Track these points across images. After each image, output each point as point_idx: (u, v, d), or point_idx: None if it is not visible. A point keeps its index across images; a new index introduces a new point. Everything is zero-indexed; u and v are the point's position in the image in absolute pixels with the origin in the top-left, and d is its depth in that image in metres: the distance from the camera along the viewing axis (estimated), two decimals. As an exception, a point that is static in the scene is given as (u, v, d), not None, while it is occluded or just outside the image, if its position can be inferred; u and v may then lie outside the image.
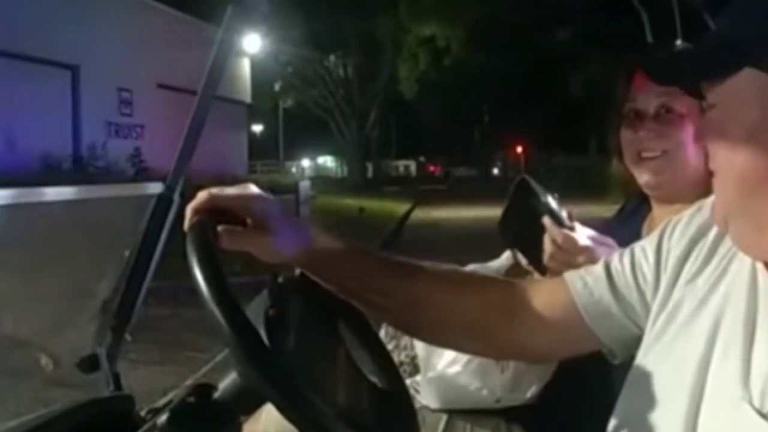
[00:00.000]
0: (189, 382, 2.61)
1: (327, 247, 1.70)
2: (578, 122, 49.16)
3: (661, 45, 2.73)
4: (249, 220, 1.61)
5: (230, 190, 1.61)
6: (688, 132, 2.38)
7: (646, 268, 1.63)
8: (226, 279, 1.35)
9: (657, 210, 2.57)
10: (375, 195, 38.96)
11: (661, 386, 1.48)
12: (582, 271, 1.71)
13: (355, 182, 47.45)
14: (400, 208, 34.15)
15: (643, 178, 2.49)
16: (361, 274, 1.74)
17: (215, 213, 1.55)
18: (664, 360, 1.50)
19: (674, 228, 1.64)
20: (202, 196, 1.57)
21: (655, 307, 1.58)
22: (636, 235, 2.52)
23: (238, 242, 1.58)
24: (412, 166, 78.97)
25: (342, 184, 46.11)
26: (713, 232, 1.56)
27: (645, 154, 2.45)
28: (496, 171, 63.86)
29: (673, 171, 2.42)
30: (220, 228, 1.54)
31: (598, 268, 1.69)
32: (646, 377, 1.51)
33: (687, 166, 2.40)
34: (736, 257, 1.48)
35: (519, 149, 65.85)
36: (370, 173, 56.76)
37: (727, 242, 1.50)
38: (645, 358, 1.55)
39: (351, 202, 31.97)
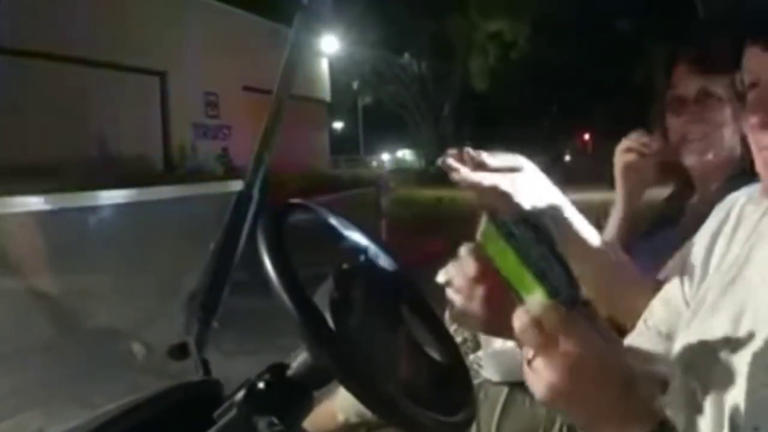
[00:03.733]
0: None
1: None
2: (641, 109, 48.74)
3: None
4: None
5: None
6: (726, 114, 2.40)
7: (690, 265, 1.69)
8: (293, 266, 1.38)
9: (699, 189, 2.59)
10: (451, 185, 38.70)
11: (693, 361, 1.51)
12: None
13: (433, 173, 47.34)
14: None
15: (687, 160, 2.52)
16: None
17: None
18: (695, 338, 1.52)
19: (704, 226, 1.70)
20: None
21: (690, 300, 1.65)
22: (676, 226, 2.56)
23: None
24: (487, 156, 78.17)
25: (420, 175, 45.98)
26: (730, 224, 1.61)
27: (688, 138, 2.47)
28: (567, 158, 63.08)
29: (713, 152, 2.44)
30: None
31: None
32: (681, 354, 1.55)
33: (725, 147, 2.42)
34: (758, 244, 1.51)
35: (586, 136, 65.39)
36: (446, 164, 56.38)
37: (746, 231, 1.56)
38: (680, 339, 1.58)
39: (429, 193, 31.90)
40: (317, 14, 2.30)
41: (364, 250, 1.72)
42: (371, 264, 1.71)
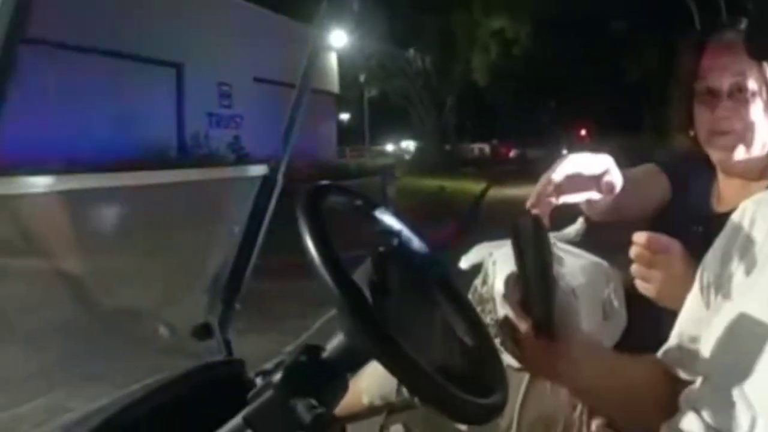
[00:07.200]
0: (290, 348, 2.62)
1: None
2: (635, 104, 49.16)
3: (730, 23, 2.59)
4: None
5: None
6: (759, 109, 2.30)
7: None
8: (334, 246, 1.34)
9: (723, 182, 2.48)
10: (453, 175, 38.93)
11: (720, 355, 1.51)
12: None
13: (435, 164, 47.52)
14: (477, 186, 34.10)
15: (716, 154, 2.39)
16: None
17: None
18: (720, 333, 1.51)
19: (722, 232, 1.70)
20: None
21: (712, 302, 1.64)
22: (704, 204, 2.47)
23: None
24: (486, 148, 78.38)
25: (423, 166, 46.09)
26: (746, 227, 1.62)
27: (720, 132, 2.35)
28: (564, 151, 63.12)
29: (745, 148, 2.33)
30: None
31: None
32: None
33: (757, 143, 2.32)
34: None
35: (583, 132, 65.71)
36: (448, 155, 56.71)
37: (762, 231, 1.56)
38: (704, 338, 1.58)
39: (432, 183, 31.93)
40: (346, 5, 2.27)
41: (397, 234, 1.68)
42: (405, 247, 1.67)
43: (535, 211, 2.02)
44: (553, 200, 2.12)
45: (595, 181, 2.18)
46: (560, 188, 2.10)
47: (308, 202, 1.43)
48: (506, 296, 1.58)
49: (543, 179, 2.10)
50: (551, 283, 1.50)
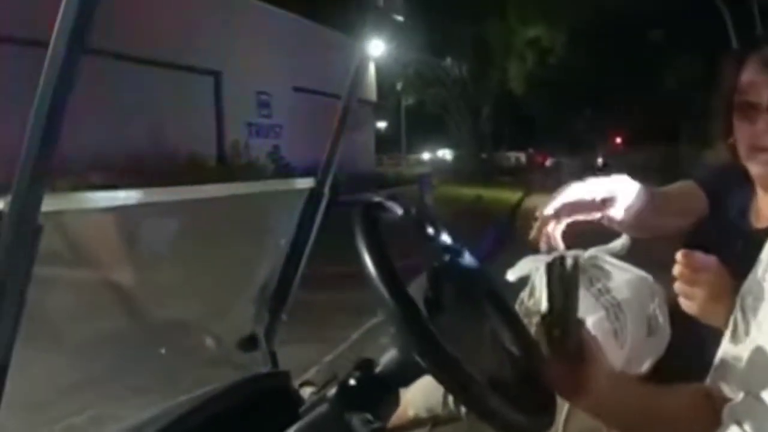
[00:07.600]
0: (328, 357, 2.62)
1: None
2: (670, 113, 48.95)
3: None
4: None
5: None
6: None
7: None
8: (391, 260, 1.35)
9: (762, 198, 2.45)
10: (489, 184, 38.90)
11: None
12: None
13: (472, 173, 47.55)
14: (514, 195, 34.01)
15: (755, 170, 2.35)
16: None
17: None
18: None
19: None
20: None
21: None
22: (742, 219, 2.44)
23: None
24: (523, 157, 78.25)
25: (459, 174, 46.07)
26: None
27: (760, 149, 2.31)
28: (600, 159, 62.24)
29: None
30: None
31: None
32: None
33: None
34: None
35: (618, 140, 65.37)
36: (484, 164, 56.72)
37: None
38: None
39: (468, 192, 31.90)
40: (390, 14, 2.27)
41: (449, 248, 1.68)
42: (457, 262, 1.68)
43: (543, 240, 2.09)
44: (559, 228, 2.17)
45: (598, 206, 2.25)
46: (560, 214, 2.16)
47: (365, 217, 1.43)
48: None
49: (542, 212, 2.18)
50: (572, 318, 1.59)
